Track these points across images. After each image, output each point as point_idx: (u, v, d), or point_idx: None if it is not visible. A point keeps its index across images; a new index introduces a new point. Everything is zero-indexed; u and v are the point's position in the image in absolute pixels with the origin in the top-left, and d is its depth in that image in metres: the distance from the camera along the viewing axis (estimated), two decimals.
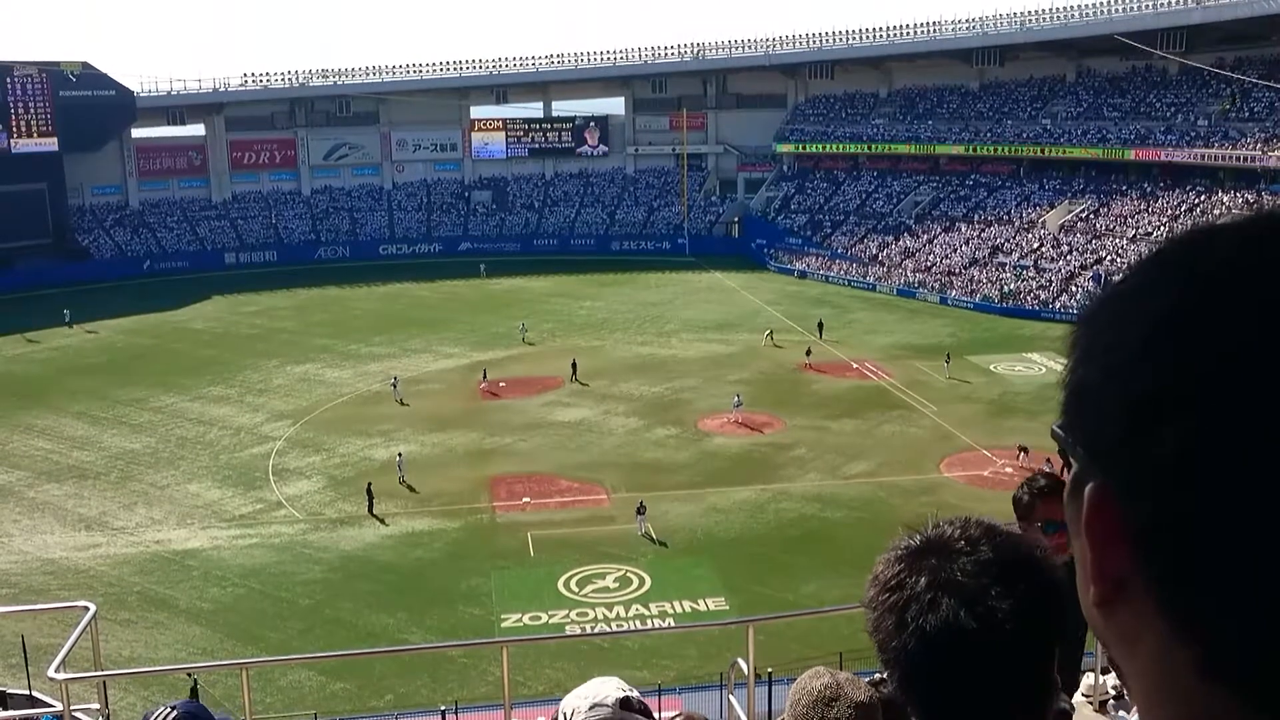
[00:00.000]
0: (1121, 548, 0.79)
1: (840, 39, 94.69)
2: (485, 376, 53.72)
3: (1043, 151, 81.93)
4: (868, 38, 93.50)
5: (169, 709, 3.64)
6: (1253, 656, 0.71)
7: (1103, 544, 0.80)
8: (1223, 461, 0.71)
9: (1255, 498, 0.70)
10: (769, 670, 14.32)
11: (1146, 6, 76.37)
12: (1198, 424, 0.72)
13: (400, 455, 42.33)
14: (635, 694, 2.87)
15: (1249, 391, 0.70)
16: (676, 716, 4.19)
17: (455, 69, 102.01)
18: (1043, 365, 54.07)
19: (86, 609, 8.54)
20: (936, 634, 1.37)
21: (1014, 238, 76.34)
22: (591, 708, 2.80)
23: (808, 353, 56.62)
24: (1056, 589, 1.43)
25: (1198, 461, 0.72)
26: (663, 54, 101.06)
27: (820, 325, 62.92)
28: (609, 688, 2.86)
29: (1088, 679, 10.42)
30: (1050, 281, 69.84)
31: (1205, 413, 0.72)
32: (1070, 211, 76.17)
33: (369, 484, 39.31)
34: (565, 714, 2.83)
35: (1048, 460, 34.87)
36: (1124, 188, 75.87)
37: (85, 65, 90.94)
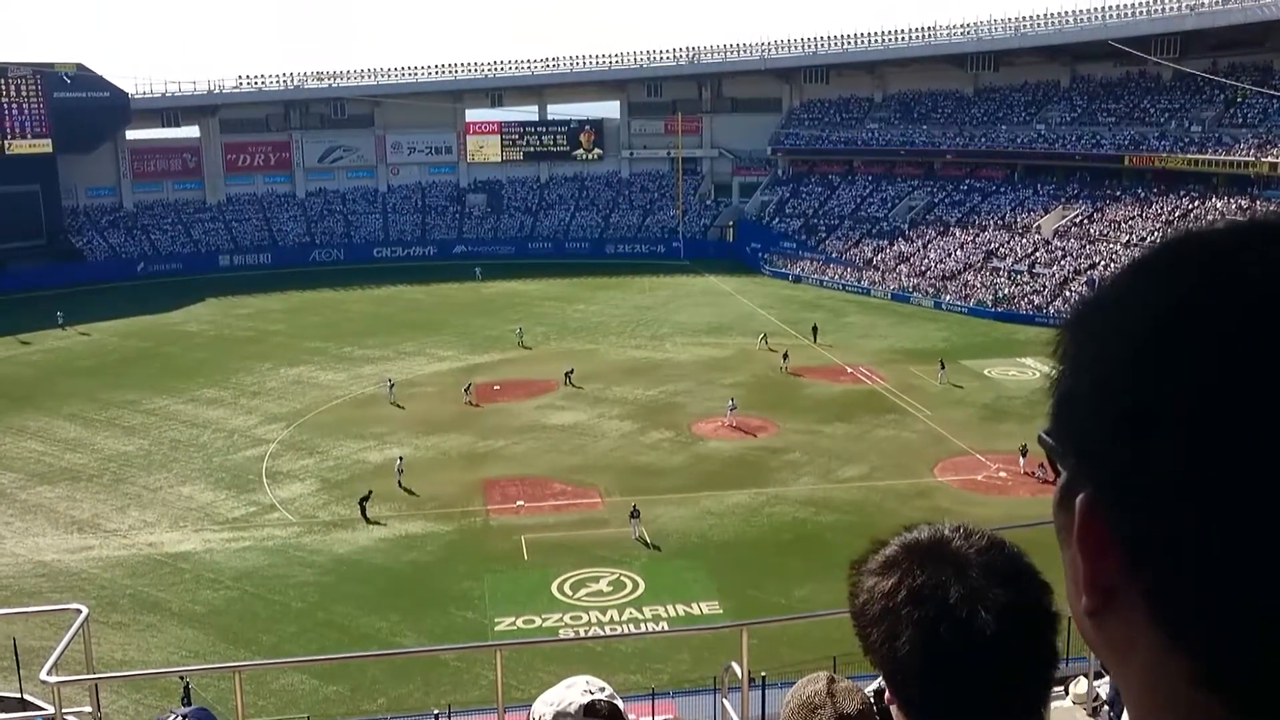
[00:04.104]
0: (1112, 557, 0.78)
1: (835, 43, 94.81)
2: (469, 390, 51.79)
3: (1037, 156, 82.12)
4: (862, 42, 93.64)
5: (179, 717, 3.61)
6: (1244, 667, 0.71)
7: (1094, 554, 0.80)
8: (1214, 473, 0.70)
9: (1247, 509, 0.69)
10: (763, 674, 14.32)
11: (1140, 12, 76.58)
12: (1188, 436, 0.71)
13: (400, 459, 42.03)
14: (604, 695, 2.84)
15: (1240, 403, 0.70)
16: None
17: (450, 72, 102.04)
18: (1037, 370, 54.08)
19: (79, 611, 8.51)
20: (941, 638, 1.37)
21: (1008, 242, 76.47)
22: (555, 717, 2.78)
23: (785, 356, 56.10)
24: (1051, 590, 1.44)
25: (1189, 473, 0.71)
26: (658, 58, 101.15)
27: (815, 329, 62.95)
28: (574, 693, 2.83)
29: (1081, 684, 10.45)
30: (1044, 286, 69.97)
31: (1196, 424, 0.71)
32: (1064, 216, 76.33)
33: (361, 502, 38.45)
34: (535, 719, 2.82)
35: (1041, 465, 34.92)
36: (1118, 193, 76.04)
37: (80, 66, 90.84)
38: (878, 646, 1.42)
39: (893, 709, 1.46)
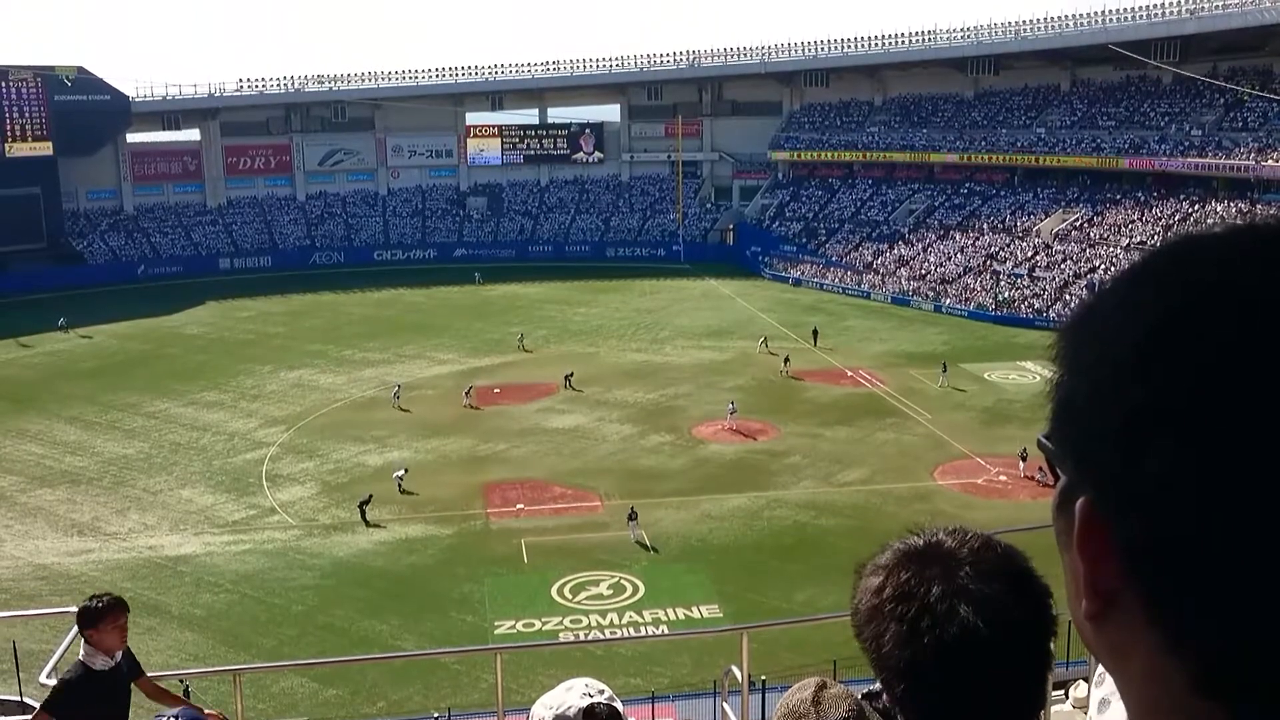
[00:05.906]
0: (1113, 562, 0.78)
1: (835, 47, 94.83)
2: (469, 393, 51.66)
3: (1037, 160, 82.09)
4: (863, 46, 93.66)
5: (170, 718, 3.63)
6: (1245, 672, 0.71)
7: (1094, 559, 0.80)
8: (1215, 478, 0.70)
9: (1247, 514, 0.69)
10: (763, 678, 14.31)
11: (1141, 16, 76.60)
12: (1189, 440, 0.71)
13: (405, 471, 41.27)
14: (603, 698, 2.84)
15: (1240, 406, 0.70)
16: None
17: (451, 75, 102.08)
18: (1037, 374, 54.08)
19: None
20: (952, 643, 1.36)
21: (1008, 246, 76.47)
22: None
23: (785, 360, 55.85)
24: (1050, 594, 1.44)
25: (1190, 478, 0.71)
26: (658, 61, 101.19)
27: (815, 333, 62.94)
28: (574, 696, 2.83)
29: (1081, 687, 10.44)
30: (1045, 290, 69.97)
31: (1196, 429, 0.71)
32: (1064, 220, 76.34)
33: (361, 505, 38.39)
34: None
35: (1041, 469, 34.90)
36: (1118, 196, 76.02)
37: (80, 70, 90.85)
38: (868, 645, 1.42)
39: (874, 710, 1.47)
